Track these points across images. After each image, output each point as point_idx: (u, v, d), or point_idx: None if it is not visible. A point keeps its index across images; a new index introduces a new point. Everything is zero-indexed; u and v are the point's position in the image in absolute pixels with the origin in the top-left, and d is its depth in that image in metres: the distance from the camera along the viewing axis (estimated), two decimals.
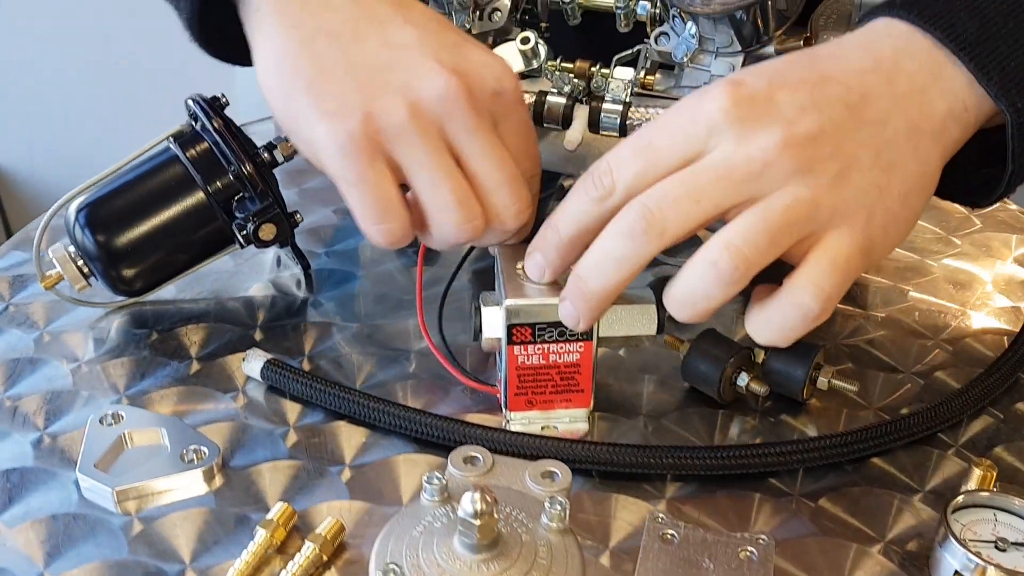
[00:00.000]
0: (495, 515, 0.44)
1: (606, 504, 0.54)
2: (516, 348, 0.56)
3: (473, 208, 0.54)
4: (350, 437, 0.58)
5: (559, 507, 0.46)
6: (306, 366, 0.64)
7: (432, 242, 0.56)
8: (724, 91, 0.48)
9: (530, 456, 0.55)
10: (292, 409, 0.61)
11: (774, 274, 0.49)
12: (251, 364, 0.62)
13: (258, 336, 0.67)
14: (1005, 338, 0.67)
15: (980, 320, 0.69)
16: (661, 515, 0.53)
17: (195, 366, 0.64)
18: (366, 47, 0.54)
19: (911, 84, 0.50)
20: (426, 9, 0.57)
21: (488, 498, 0.44)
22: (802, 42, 0.66)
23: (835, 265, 0.47)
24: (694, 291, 0.48)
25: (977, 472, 0.54)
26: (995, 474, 0.54)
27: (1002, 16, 0.51)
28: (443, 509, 0.47)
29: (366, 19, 0.55)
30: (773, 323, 0.49)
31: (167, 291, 0.69)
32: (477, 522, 0.43)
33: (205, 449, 0.56)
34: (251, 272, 0.73)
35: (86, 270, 0.65)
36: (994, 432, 0.59)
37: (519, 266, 0.57)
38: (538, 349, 0.56)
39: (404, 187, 0.55)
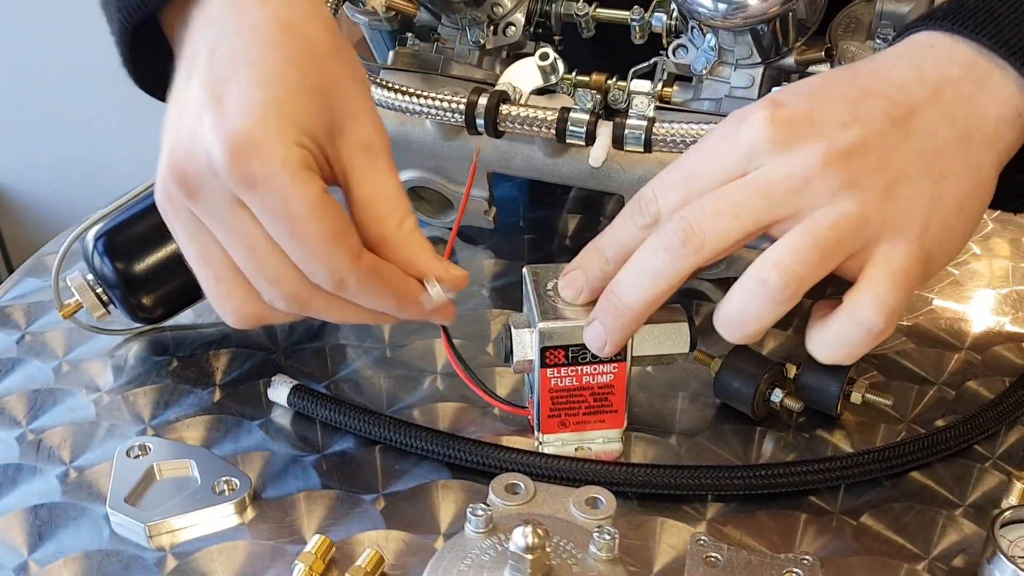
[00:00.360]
0: (546, 549, 0.43)
1: (647, 528, 0.54)
2: (549, 371, 0.56)
3: (228, 297, 0.49)
4: (383, 464, 0.58)
5: (608, 536, 0.46)
6: (330, 390, 0.63)
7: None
8: (764, 114, 0.48)
9: (570, 480, 0.54)
10: (321, 435, 0.60)
11: (819, 291, 0.49)
12: (277, 390, 0.61)
13: (281, 360, 0.66)
14: None
15: (1007, 326, 0.68)
16: (703, 538, 0.52)
17: (219, 393, 0.63)
18: (171, 105, 0.49)
19: (957, 93, 0.49)
20: (236, 49, 0.46)
21: (540, 531, 0.43)
22: (823, 52, 0.66)
23: (894, 278, 0.46)
24: (745, 311, 0.47)
25: (1019, 486, 0.54)
26: None
27: None
28: (489, 541, 0.46)
29: (191, 72, 0.47)
30: (836, 341, 0.48)
31: (186, 316, 0.69)
32: (529, 556, 0.43)
33: (236, 480, 0.55)
34: None
35: (105, 298, 0.64)
36: None
37: (549, 286, 0.56)
38: (572, 371, 0.56)
39: None
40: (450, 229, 0.78)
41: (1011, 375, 0.63)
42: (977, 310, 0.70)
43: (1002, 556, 0.48)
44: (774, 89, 0.55)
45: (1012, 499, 0.54)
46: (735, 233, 0.48)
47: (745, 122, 0.48)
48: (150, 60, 0.55)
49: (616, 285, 0.51)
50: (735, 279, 0.48)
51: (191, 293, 0.66)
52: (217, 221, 0.46)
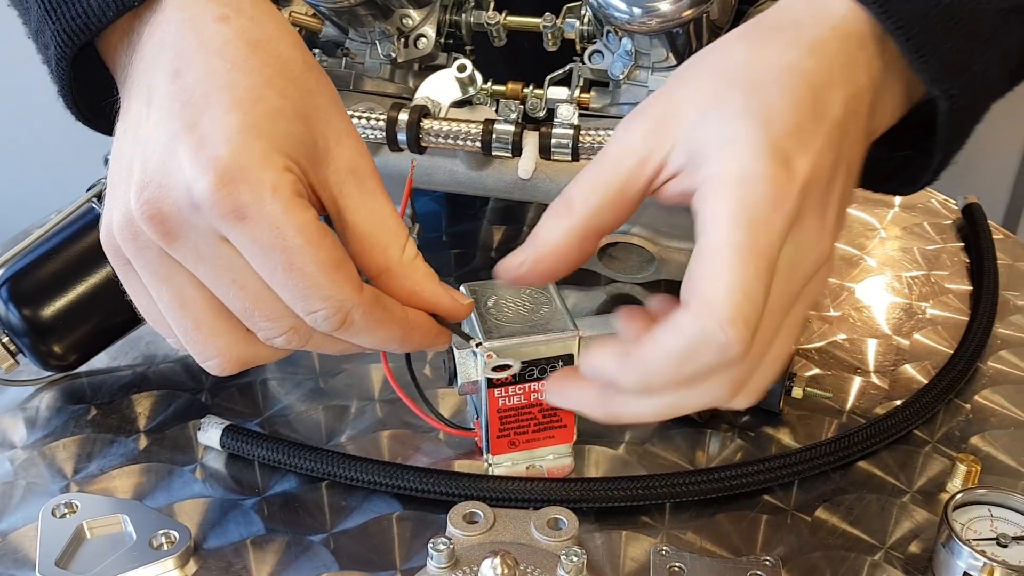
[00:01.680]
0: None
1: (607, 543, 0.53)
2: (496, 390, 0.54)
3: (206, 347, 0.45)
4: (329, 501, 0.55)
5: (576, 558, 0.45)
6: (264, 428, 0.60)
7: None
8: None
9: (529, 502, 0.53)
10: (260, 477, 0.57)
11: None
12: (208, 433, 0.58)
13: (207, 400, 0.63)
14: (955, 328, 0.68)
15: (929, 310, 0.70)
16: (665, 548, 0.52)
17: (145, 440, 0.60)
18: (125, 139, 0.44)
19: (856, 76, 0.45)
20: (203, 72, 0.43)
21: (508, 561, 0.42)
22: None
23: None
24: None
25: (962, 468, 0.55)
26: (979, 468, 0.55)
27: None
28: (455, 575, 0.45)
29: (151, 101, 0.43)
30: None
31: (100, 360, 0.65)
32: None
33: (174, 533, 0.52)
34: None
35: (12, 347, 0.60)
36: (965, 424, 0.60)
37: (490, 303, 0.55)
38: (519, 389, 0.55)
39: None
40: None
41: (941, 357, 0.65)
42: (895, 295, 0.72)
43: (957, 539, 0.49)
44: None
45: (957, 481, 0.56)
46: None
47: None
48: (87, 91, 0.51)
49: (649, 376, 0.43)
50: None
51: (107, 334, 0.62)
52: (201, 260, 0.42)
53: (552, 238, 0.44)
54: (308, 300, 0.42)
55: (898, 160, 0.54)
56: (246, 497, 0.56)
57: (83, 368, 0.64)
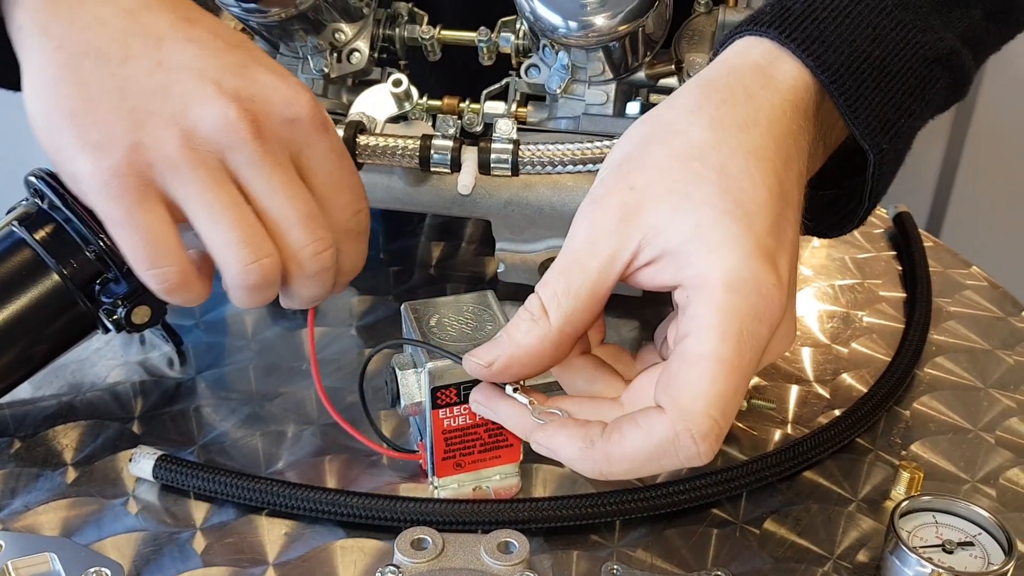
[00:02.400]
0: None
1: (558, 563, 0.52)
2: (441, 411, 0.53)
3: (260, 247, 0.47)
4: (269, 531, 0.54)
5: None
6: (199, 457, 0.58)
7: (233, 294, 0.50)
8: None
9: (477, 524, 0.52)
10: (195, 509, 0.55)
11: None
12: (140, 464, 0.56)
13: (137, 430, 0.60)
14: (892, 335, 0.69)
15: (865, 319, 0.71)
16: (616, 567, 0.51)
17: (72, 473, 0.57)
18: (138, 69, 0.47)
19: (802, 147, 0.46)
20: (215, 23, 0.51)
21: None
22: (672, 66, 0.67)
23: None
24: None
25: (905, 475, 0.56)
26: (922, 475, 0.55)
27: (868, 42, 0.47)
28: None
29: (140, 36, 0.48)
30: None
31: (22, 390, 0.62)
32: None
33: (106, 571, 0.50)
34: (111, 356, 0.66)
35: None
36: (906, 430, 0.61)
37: (432, 322, 0.54)
38: (464, 409, 0.53)
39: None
40: None
41: (874, 365, 0.65)
42: (831, 304, 0.72)
43: (904, 547, 0.49)
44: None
45: (900, 488, 0.56)
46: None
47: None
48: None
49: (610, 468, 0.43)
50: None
51: (30, 363, 0.59)
52: (279, 167, 0.48)
53: (526, 343, 0.44)
54: (360, 198, 0.51)
55: (822, 201, 0.54)
56: (182, 530, 0.54)
57: (4, 399, 0.61)
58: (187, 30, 0.49)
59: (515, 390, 0.46)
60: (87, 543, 0.52)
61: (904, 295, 0.73)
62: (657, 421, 0.40)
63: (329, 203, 0.49)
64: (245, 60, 0.49)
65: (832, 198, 0.54)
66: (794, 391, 0.64)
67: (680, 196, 0.42)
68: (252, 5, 0.62)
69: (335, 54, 0.68)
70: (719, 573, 0.51)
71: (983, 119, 1.58)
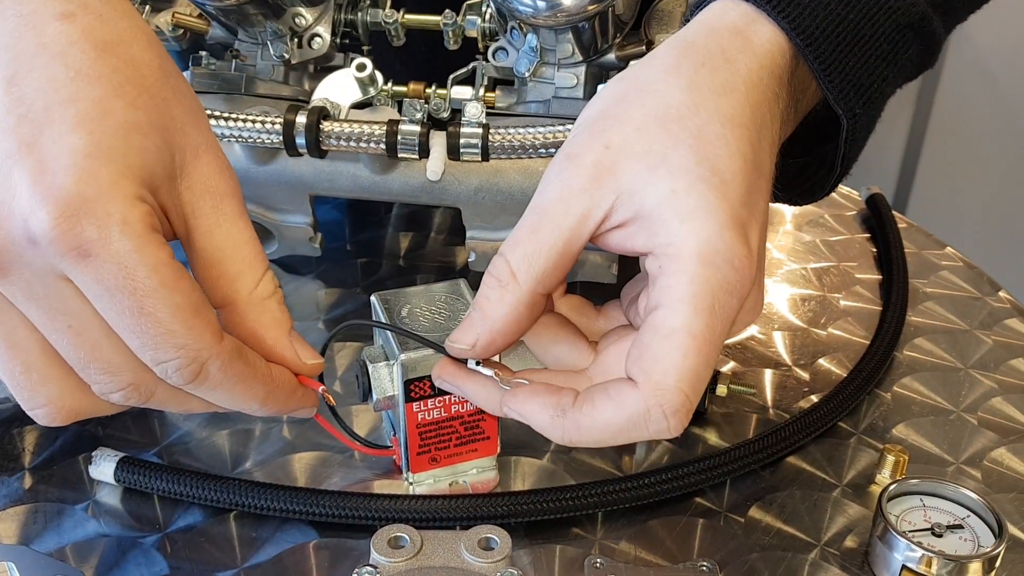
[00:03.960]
0: None
1: (539, 558, 0.50)
2: (415, 404, 0.51)
3: (35, 394, 0.40)
4: (238, 533, 0.51)
5: None
6: (162, 458, 0.56)
7: None
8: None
9: (456, 520, 0.50)
10: (160, 512, 0.53)
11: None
12: (101, 467, 0.54)
13: (98, 431, 0.58)
14: (869, 317, 0.68)
15: (841, 301, 0.70)
16: (600, 561, 0.50)
17: (30, 478, 0.55)
18: None
19: (776, 114, 0.45)
20: (44, 80, 0.37)
21: None
22: (643, 47, 0.65)
23: None
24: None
25: (890, 458, 0.55)
26: (907, 458, 0.55)
27: (843, 6, 0.46)
28: None
29: None
30: None
31: None
32: None
33: None
34: None
35: None
36: (888, 413, 0.60)
37: (404, 313, 0.52)
38: (439, 402, 0.52)
39: None
40: (272, 261, 0.72)
41: (852, 348, 0.65)
42: (807, 287, 0.72)
43: (893, 532, 0.48)
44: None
45: (886, 472, 0.55)
46: None
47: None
48: None
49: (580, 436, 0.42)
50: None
51: None
52: (34, 300, 0.37)
53: (501, 314, 0.42)
54: (159, 348, 0.38)
55: (792, 169, 0.53)
56: (146, 534, 0.51)
57: None
58: (2, 95, 0.37)
59: (477, 363, 0.44)
60: (47, 550, 0.50)
61: (880, 277, 0.72)
62: (629, 394, 0.40)
63: (117, 346, 0.39)
64: (12, 149, 0.36)
65: (802, 166, 0.54)
66: (774, 376, 0.63)
67: (656, 157, 0.41)
68: None
69: (296, 39, 0.66)
70: (705, 565, 0.50)
71: (946, 98, 1.59)
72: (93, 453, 0.54)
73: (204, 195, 0.40)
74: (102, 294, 0.37)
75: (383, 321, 0.52)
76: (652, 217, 0.40)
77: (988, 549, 0.48)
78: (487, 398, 0.45)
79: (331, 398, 0.46)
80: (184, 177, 0.40)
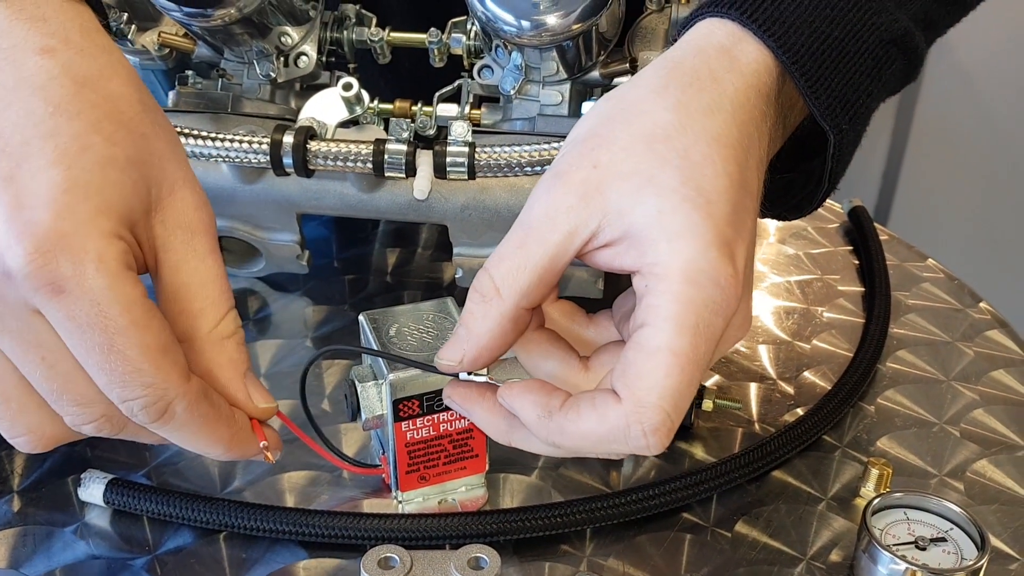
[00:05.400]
0: None
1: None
2: (404, 424, 0.52)
3: (14, 423, 0.40)
4: (229, 555, 0.52)
5: None
6: (151, 479, 0.56)
7: None
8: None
9: (445, 539, 0.50)
10: (150, 533, 0.53)
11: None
12: (90, 488, 0.54)
13: (86, 452, 0.58)
14: (852, 330, 0.69)
15: (826, 314, 0.71)
16: None
17: (18, 501, 0.55)
18: None
19: (763, 133, 0.46)
20: (22, 116, 0.38)
21: None
22: (627, 64, 0.66)
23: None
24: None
25: (874, 471, 0.55)
26: (891, 471, 0.55)
27: (827, 23, 0.47)
28: None
29: None
30: None
31: None
32: None
33: None
34: None
35: None
36: (871, 426, 0.61)
37: (392, 332, 0.52)
38: (427, 421, 0.52)
39: None
40: (257, 279, 0.73)
41: (836, 361, 0.65)
42: (790, 300, 0.72)
43: (878, 545, 0.49)
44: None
45: (870, 485, 0.56)
46: None
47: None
48: None
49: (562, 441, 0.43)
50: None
51: None
52: (6, 333, 0.37)
53: (485, 329, 0.42)
54: (126, 386, 0.37)
55: (779, 185, 0.54)
56: (136, 556, 0.52)
57: None
58: None
59: (469, 374, 0.45)
60: (37, 574, 0.50)
61: (863, 289, 0.73)
62: (612, 408, 0.40)
63: (90, 379, 0.38)
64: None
65: (789, 181, 0.54)
66: (759, 390, 0.64)
67: (643, 178, 0.41)
68: (193, 9, 0.60)
69: (282, 58, 0.66)
70: None
71: (926, 110, 1.60)
72: (82, 475, 0.54)
73: (176, 230, 0.40)
74: (73, 330, 0.37)
75: (372, 339, 0.52)
76: (639, 237, 0.41)
77: (971, 562, 0.48)
78: (495, 427, 0.45)
79: (270, 456, 0.44)
80: (159, 211, 0.40)
